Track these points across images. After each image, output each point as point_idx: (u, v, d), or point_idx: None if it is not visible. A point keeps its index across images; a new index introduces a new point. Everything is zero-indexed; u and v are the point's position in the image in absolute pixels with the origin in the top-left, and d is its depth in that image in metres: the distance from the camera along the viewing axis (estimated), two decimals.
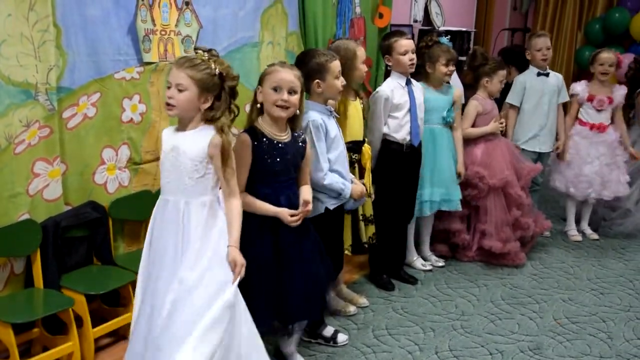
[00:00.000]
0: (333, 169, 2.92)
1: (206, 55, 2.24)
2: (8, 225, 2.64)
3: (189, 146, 2.23)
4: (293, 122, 2.61)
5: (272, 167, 2.52)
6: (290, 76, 2.51)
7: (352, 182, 3.05)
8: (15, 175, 2.66)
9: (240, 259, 2.27)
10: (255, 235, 2.51)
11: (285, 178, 2.58)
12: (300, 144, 2.63)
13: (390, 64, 3.63)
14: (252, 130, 2.53)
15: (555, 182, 4.73)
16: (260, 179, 2.54)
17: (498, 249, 4.09)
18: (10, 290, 2.73)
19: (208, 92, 2.22)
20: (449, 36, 4.15)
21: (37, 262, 2.74)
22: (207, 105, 2.24)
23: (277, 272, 2.55)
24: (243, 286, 2.31)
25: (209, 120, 2.26)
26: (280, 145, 2.53)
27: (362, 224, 3.40)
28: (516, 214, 4.13)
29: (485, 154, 4.15)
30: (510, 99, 4.56)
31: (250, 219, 2.47)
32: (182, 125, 2.28)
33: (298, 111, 2.57)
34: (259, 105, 2.55)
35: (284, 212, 2.51)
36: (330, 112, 2.96)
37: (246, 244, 2.37)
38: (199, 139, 2.23)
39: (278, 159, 2.52)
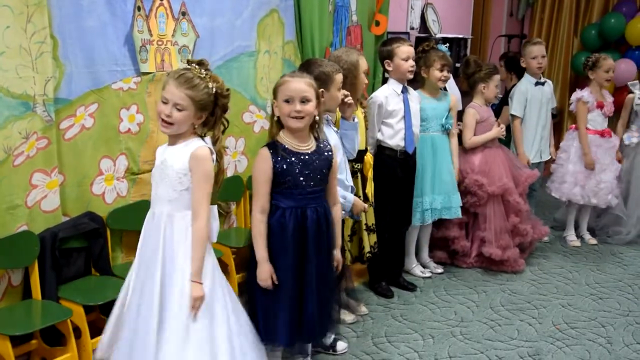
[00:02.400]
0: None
1: (203, 71, 2.24)
2: (6, 237, 2.64)
3: (176, 158, 2.25)
4: (315, 130, 2.55)
5: (294, 178, 2.46)
6: (301, 85, 2.45)
7: (352, 189, 3.06)
8: (14, 187, 2.66)
9: (199, 293, 2.21)
10: (279, 251, 2.48)
11: (310, 190, 2.49)
12: (325, 153, 2.55)
13: (390, 69, 3.63)
14: (271, 143, 2.50)
15: (576, 196, 4.60)
16: (285, 192, 2.48)
17: (498, 256, 4.09)
18: (8, 302, 2.73)
19: (204, 110, 2.26)
20: (447, 44, 4.17)
21: (34, 273, 2.73)
22: (201, 121, 2.28)
23: (299, 291, 2.50)
24: (266, 303, 2.46)
25: (198, 134, 2.31)
26: (302, 155, 2.48)
27: (365, 233, 3.41)
28: (515, 220, 4.14)
29: (483, 162, 4.17)
30: (515, 110, 4.51)
31: (275, 235, 2.47)
32: (173, 139, 2.30)
33: (317, 117, 2.51)
34: (276, 119, 2.51)
35: (264, 268, 2.44)
36: (327, 121, 2.97)
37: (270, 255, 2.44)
38: (185, 152, 2.25)
39: (300, 169, 2.46)
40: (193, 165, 2.22)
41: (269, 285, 2.43)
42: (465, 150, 4.21)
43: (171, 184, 2.25)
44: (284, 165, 2.45)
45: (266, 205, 2.47)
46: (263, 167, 2.45)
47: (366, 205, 3.20)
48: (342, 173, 3.00)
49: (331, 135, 2.95)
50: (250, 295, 2.55)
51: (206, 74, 2.24)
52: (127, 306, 2.31)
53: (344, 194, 2.93)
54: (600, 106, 4.55)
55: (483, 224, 4.15)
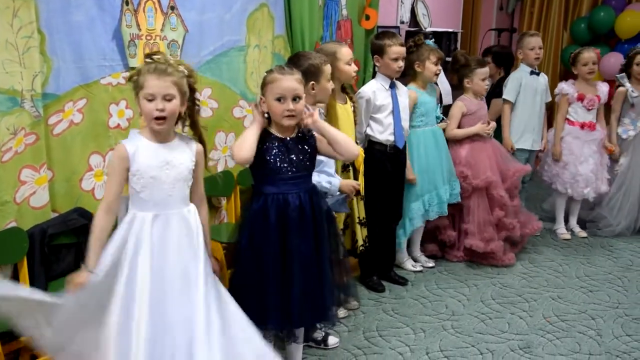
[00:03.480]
0: (322, 170, 2.93)
1: (168, 57, 2.20)
2: None
3: (182, 156, 2.25)
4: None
5: (274, 165, 2.45)
6: (292, 83, 2.43)
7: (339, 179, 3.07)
8: (3, 184, 2.65)
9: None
10: (263, 237, 2.47)
11: (292, 175, 2.48)
12: (308, 139, 2.54)
13: (378, 64, 3.64)
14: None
15: (556, 185, 4.69)
16: (266, 178, 2.48)
17: (480, 248, 4.10)
18: None
19: (184, 94, 2.20)
20: (433, 39, 4.18)
21: (23, 270, 2.71)
22: (184, 108, 2.23)
23: (282, 272, 2.48)
24: (255, 290, 2.45)
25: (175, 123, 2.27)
26: (282, 140, 2.47)
27: (357, 226, 3.41)
28: (499, 214, 4.13)
29: (470, 154, 4.18)
30: (506, 94, 4.57)
31: (258, 221, 2.46)
32: (163, 136, 2.22)
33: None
34: (266, 116, 2.48)
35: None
36: (320, 113, 2.97)
37: (254, 243, 2.44)
38: (186, 148, 2.27)
39: (280, 157, 2.46)
40: (199, 160, 2.31)
41: None
42: (453, 143, 4.22)
43: (186, 182, 2.26)
44: (264, 148, 2.44)
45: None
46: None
47: (357, 182, 3.17)
48: (332, 167, 3.00)
49: None
50: (239, 283, 2.52)
51: (172, 60, 2.21)
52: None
53: (329, 179, 2.95)
54: (580, 98, 4.59)
55: (467, 216, 4.16)
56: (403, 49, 3.60)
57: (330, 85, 3.00)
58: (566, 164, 4.62)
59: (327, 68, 2.97)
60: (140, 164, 2.17)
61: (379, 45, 3.61)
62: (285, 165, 2.47)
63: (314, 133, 2.57)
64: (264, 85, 2.48)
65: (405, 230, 3.97)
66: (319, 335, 3.08)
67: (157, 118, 2.14)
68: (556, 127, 4.68)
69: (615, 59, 6.10)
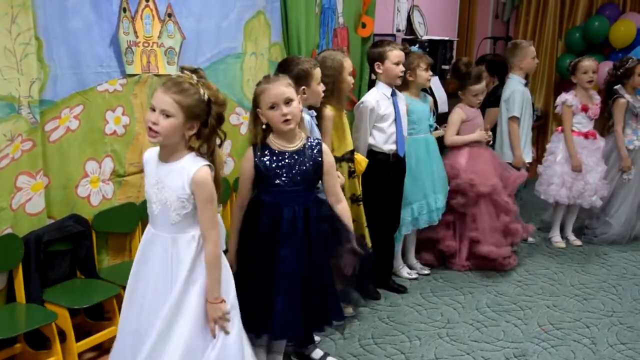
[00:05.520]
0: None
1: (194, 77, 2.10)
2: None
3: (174, 180, 2.11)
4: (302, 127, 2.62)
5: (272, 177, 2.51)
6: (281, 88, 2.47)
7: None
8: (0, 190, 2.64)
9: (217, 314, 2.17)
10: (252, 242, 2.54)
11: (290, 189, 2.52)
12: (311, 152, 2.56)
13: (380, 71, 3.62)
14: (256, 144, 2.55)
15: (562, 197, 4.62)
16: (264, 187, 2.55)
17: (495, 254, 4.11)
18: None
19: (195, 119, 2.09)
20: (417, 45, 4.20)
21: (19, 276, 2.71)
22: (193, 132, 2.11)
23: (268, 286, 2.52)
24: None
25: (192, 148, 2.15)
26: (284, 154, 2.52)
27: (366, 230, 3.44)
28: (505, 220, 4.15)
29: (470, 161, 4.17)
30: (515, 111, 4.50)
31: (249, 225, 2.53)
32: (166, 153, 2.15)
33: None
34: (264, 126, 2.51)
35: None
36: (312, 117, 3.00)
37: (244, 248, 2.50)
38: (184, 174, 2.11)
39: (279, 168, 2.51)
40: (195, 190, 2.11)
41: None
42: (451, 149, 4.22)
43: (174, 209, 2.12)
44: (266, 164, 2.51)
45: (245, 202, 2.58)
46: (246, 166, 2.55)
47: (343, 178, 3.16)
48: None
49: (315, 129, 2.99)
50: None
51: (198, 81, 2.10)
52: (124, 321, 2.25)
53: None
54: (584, 109, 4.59)
55: (472, 223, 4.15)
56: (403, 54, 3.62)
57: (321, 88, 3.00)
58: (577, 174, 4.56)
59: (317, 72, 2.98)
60: (145, 175, 2.19)
61: (379, 53, 3.61)
62: (283, 178, 2.51)
63: (321, 145, 2.60)
64: (256, 97, 2.53)
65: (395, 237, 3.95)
66: (317, 355, 3.01)
67: (150, 129, 2.08)
68: (567, 140, 4.58)
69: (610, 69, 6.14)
